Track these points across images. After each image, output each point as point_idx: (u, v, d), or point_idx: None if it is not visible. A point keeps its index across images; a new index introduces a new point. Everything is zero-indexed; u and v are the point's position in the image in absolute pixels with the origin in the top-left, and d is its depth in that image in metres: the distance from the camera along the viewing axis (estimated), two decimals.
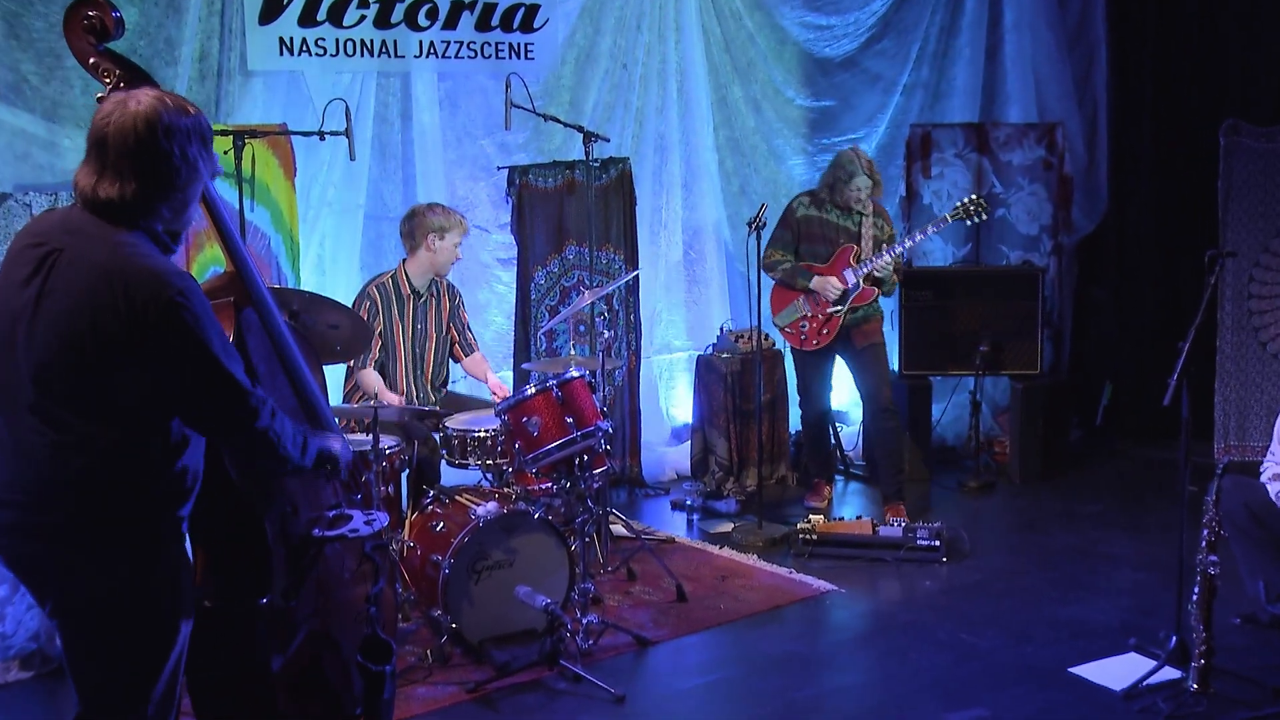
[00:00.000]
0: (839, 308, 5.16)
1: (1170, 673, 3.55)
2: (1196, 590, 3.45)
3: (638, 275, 5.67)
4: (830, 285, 5.14)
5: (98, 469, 2.17)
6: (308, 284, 4.86)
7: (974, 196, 5.22)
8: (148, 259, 2.17)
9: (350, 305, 4.50)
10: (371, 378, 4.51)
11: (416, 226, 4.59)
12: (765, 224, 4.98)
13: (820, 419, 5.56)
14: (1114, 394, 6.73)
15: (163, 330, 2.12)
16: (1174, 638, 3.59)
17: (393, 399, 4.39)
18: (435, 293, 4.73)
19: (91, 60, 2.41)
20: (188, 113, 2.24)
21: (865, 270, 5.11)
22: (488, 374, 4.83)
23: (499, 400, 4.65)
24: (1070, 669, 3.72)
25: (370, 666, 2.71)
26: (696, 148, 6.11)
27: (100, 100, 2.38)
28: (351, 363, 4.53)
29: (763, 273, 5.17)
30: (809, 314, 5.25)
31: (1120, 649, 3.82)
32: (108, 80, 2.41)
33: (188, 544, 2.41)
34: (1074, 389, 6.46)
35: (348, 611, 2.81)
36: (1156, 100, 6.54)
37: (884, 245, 5.17)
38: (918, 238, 5.29)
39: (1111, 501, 5.56)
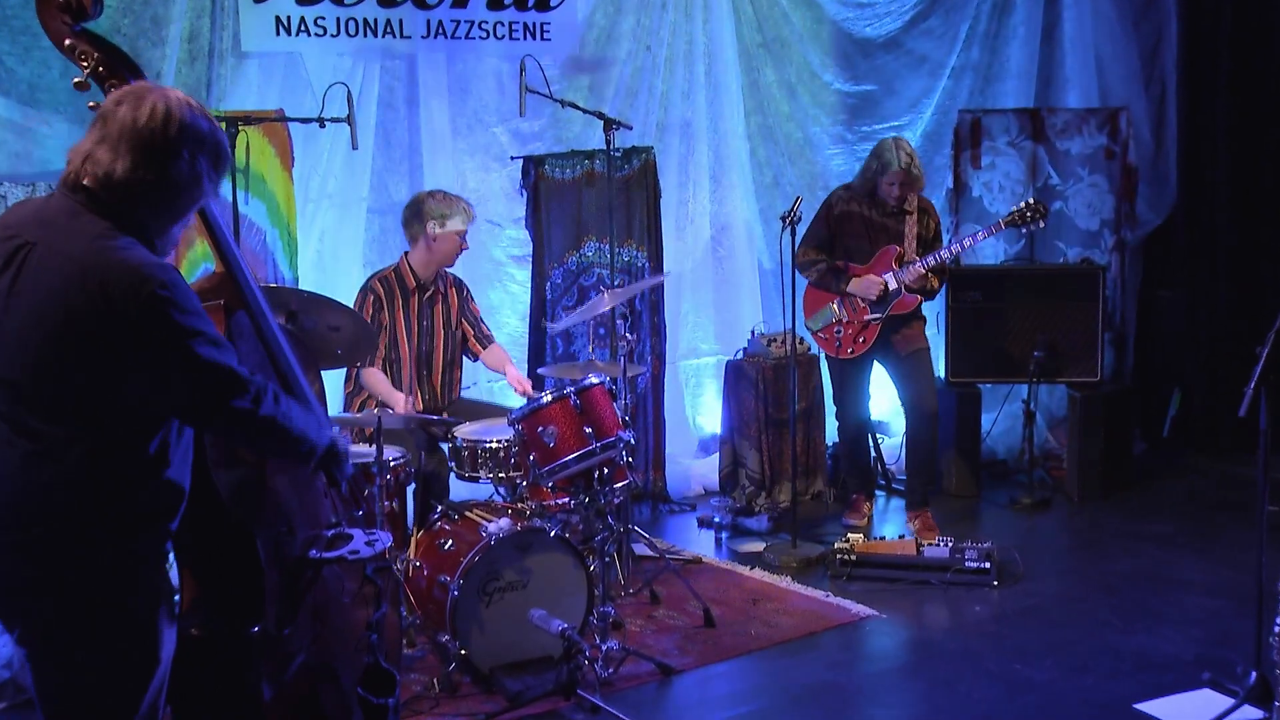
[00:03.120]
0: (877, 315, 5.12)
1: (1251, 713, 3.49)
2: (1279, 620, 3.38)
3: (662, 269, 5.65)
4: (870, 286, 5.09)
5: (71, 481, 2.15)
6: (306, 282, 4.87)
7: (1031, 201, 5.13)
8: (126, 251, 2.15)
9: (352, 304, 4.50)
10: (377, 378, 4.51)
11: (415, 215, 4.61)
12: (800, 218, 4.94)
13: (859, 430, 5.52)
14: (1183, 404, 6.65)
15: (146, 327, 2.11)
16: (1254, 673, 3.52)
17: (400, 399, 4.39)
18: (442, 287, 4.73)
19: (67, 42, 2.40)
20: (209, 121, 2.25)
21: (908, 275, 5.05)
22: (507, 366, 4.82)
23: (520, 394, 4.65)
24: (1136, 705, 3.66)
25: (371, 699, 2.69)
26: (726, 136, 6.09)
27: (78, 85, 2.39)
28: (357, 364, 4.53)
29: (797, 272, 5.13)
30: (844, 319, 5.21)
31: (1193, 684, 3.76)
32: (85, 64, 2.40)
33: (174, 567, 2.40)
34: (1138, 398, 6.39)
35: (347, 639, 2.80)
36: (1233, 80, 6.45)
37: (930, 244, 5.12)
38: (965, 243, 5.21)
39: (1180, 521, 5.49)
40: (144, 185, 2.18)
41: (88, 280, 2.10)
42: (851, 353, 5.24)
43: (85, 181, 2.18)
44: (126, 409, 2.18)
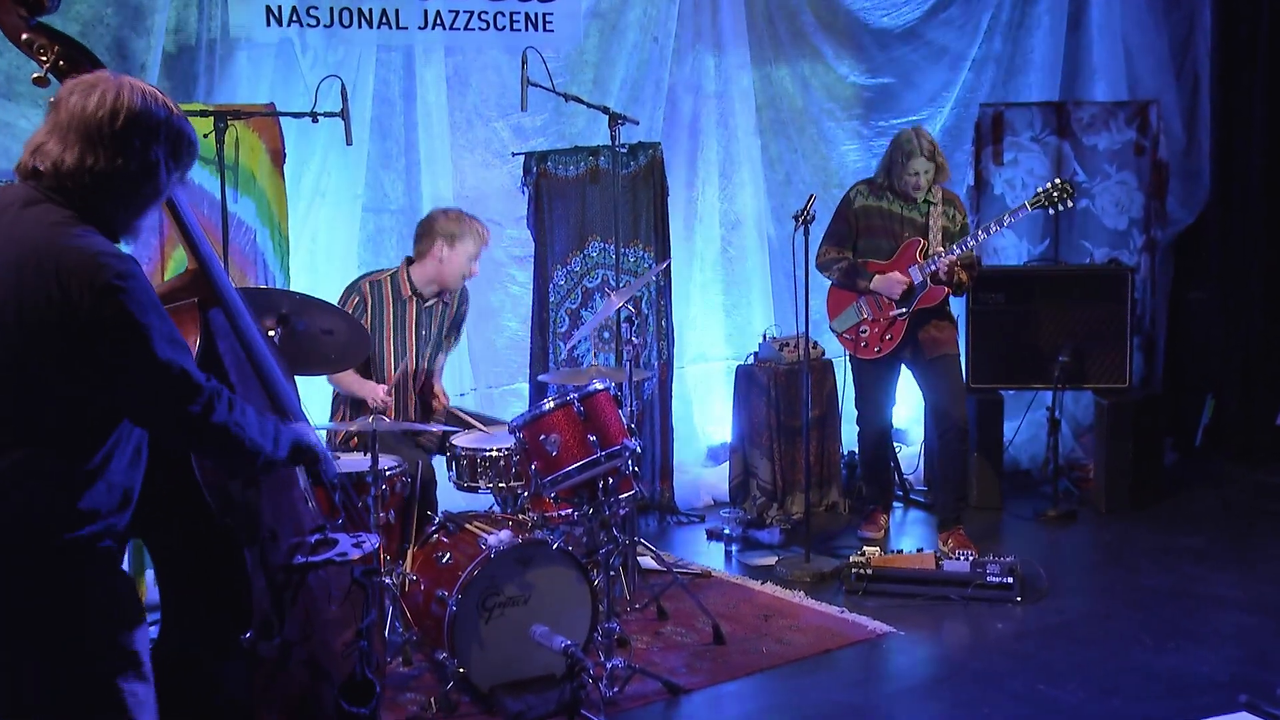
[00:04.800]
0: (903, 310, 5.12)
1: None
2: None
3: (669, 267, 5.64)
4: (893, 283, 5.09)
5: (11, 482, 2.15)
6: (298, 284, 4.87)
7: (1058, 180, 5.15)
8: (83, 239, 2.15)
9: (336, 301, 4.50)
10: (348, 378, 4.51)
11: (426, 231, 4.61)
12: (814, 217, 4.94)
13: (880, 437, 5.51)
14: (1217, 411, 6.63)
15: (99, 319, 2.11)
16: None
17: (374, 389, 4.38)
18: (446, 298, 4.73)
19: (24, 36, 2.42)
20: (167, 109, 2.25)
21: (934, 267, 5.06)
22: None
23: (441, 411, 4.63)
24: None
25: (347, 707, 2.70)
26: (736, 131, 6.09)
27: (37, 81, 2.42)
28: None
29: (816, 273, 5.13)
30: (869, 317, 5.21)
31: (1229, 707, 3.73)
32: (44, 59, 2.42)
33: (153, 579, 2.40)
34: (1169, 405, 6.38)
35: (336, 646, 2.81)
36: (1271, 71, 6.43)
37: (956, 238, 5.12)
38: (993, 229, 5.21)
39: (1214, 534, 5.47)
40: (94, 176, 2.18)
41: (42, 268, 2.11)
42: (879, 351, 5.22)
43: (39, 167, 2.19)
44: (76, 406, 2.18)
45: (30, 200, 2.19)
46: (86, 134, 2.17)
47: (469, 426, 4.60)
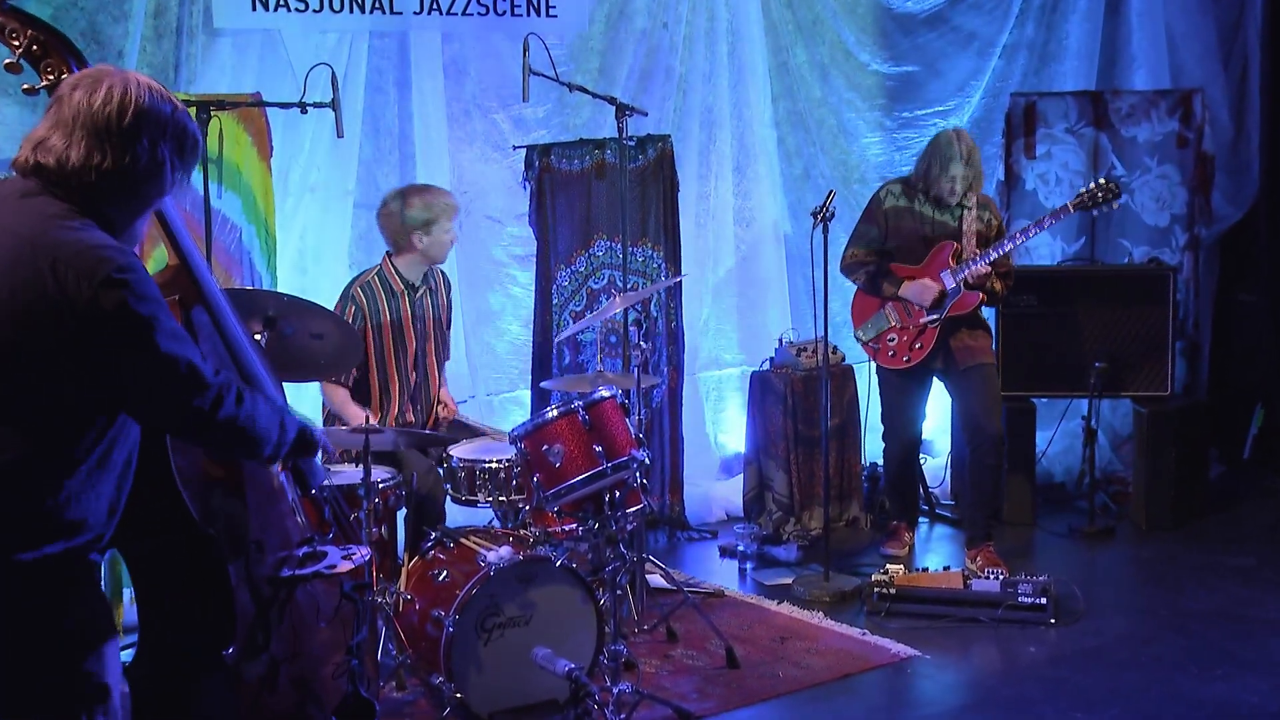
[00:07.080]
0: (934, 317, 5.12)
1: None
2: None
3: (680, 280, 5.66)
4: (924, 289, 5.09)
5: (2, 485, 2.18)
6: (286, 284, 4.90)
7: (1103, 180, 5.16)
8: (81, 231, 2.19)
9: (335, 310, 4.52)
10: (337, 393, 4.52)
11: (396, 226, 4.57)
12: (833, 214, 4.95)
13: (908, 453, 5.51)
14: (1266, 420, 6.63)
15: (99, 313, 2.15)
16: None
17: (356, 415, 4.38)
18: (432, 284, 4.75)
19: None
20: (172, 105, 2.31)
21: (967, 272, 5.06)
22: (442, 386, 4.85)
23: (446, 417, 4.65)
24: None
25: None
26: (751, 123, 6.11)
27: (8, 67, 2.47)
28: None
29: (836, 274, 5.14)
30: (898, 325, 5.21)
31: None
32: (16, 43, 2.47)
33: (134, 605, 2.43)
34: (1215, 414, 6.37)
35: (325, 664, 2.82)
36: None
37: (990, 243, 5.12)
38: (1032, 232, 5.20)
39: (1264, 553, 5.47)
40: (101, 174, 2.23)
41: (38, 260, 2.15)
42: (908, 361, 5.23)
43: (41, 162, 2.23)
44: (69, 409, 2.21)
45: (28, 192, 2.23)
46: (94, 130, 2.22)
47: (475, 434, 4.62)
